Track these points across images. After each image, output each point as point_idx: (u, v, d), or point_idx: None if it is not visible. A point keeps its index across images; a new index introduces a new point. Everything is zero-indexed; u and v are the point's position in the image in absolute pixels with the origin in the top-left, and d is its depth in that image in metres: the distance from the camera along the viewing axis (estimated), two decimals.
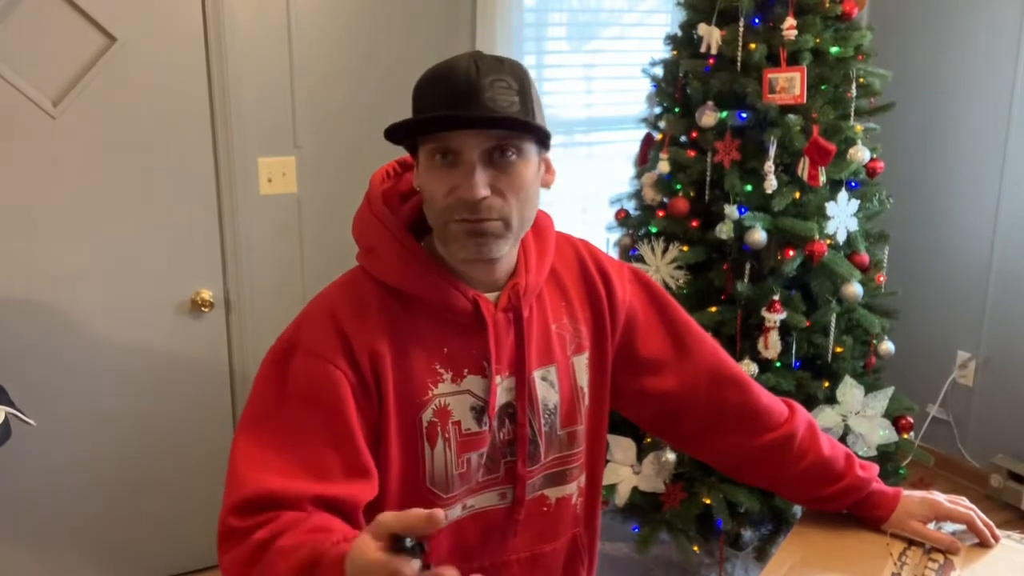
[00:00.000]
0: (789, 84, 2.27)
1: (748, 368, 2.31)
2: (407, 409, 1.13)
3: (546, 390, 1.22)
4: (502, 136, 1.05)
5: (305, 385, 1.08)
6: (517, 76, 1.07)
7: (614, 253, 2.72)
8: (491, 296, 1.17)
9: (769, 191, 2.30)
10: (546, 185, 1.15)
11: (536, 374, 1.20)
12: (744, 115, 2.35)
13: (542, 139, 1.11)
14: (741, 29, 2.32)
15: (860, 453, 2.32)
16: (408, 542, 0.80)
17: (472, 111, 1.03)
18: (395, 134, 1.07)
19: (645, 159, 2.65)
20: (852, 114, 2.39)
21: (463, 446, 1.16)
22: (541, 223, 1.23)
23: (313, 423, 1.06)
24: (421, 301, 1.14)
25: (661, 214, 2.48)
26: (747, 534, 2.55)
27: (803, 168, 2.30)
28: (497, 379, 1.16)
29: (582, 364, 1.26)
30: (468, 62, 1.05)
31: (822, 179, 2.32)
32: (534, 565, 1.28)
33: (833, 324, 2.37)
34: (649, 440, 2.42)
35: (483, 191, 1.05)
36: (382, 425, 1.12)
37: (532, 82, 1.10)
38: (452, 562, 1.20)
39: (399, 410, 1.12)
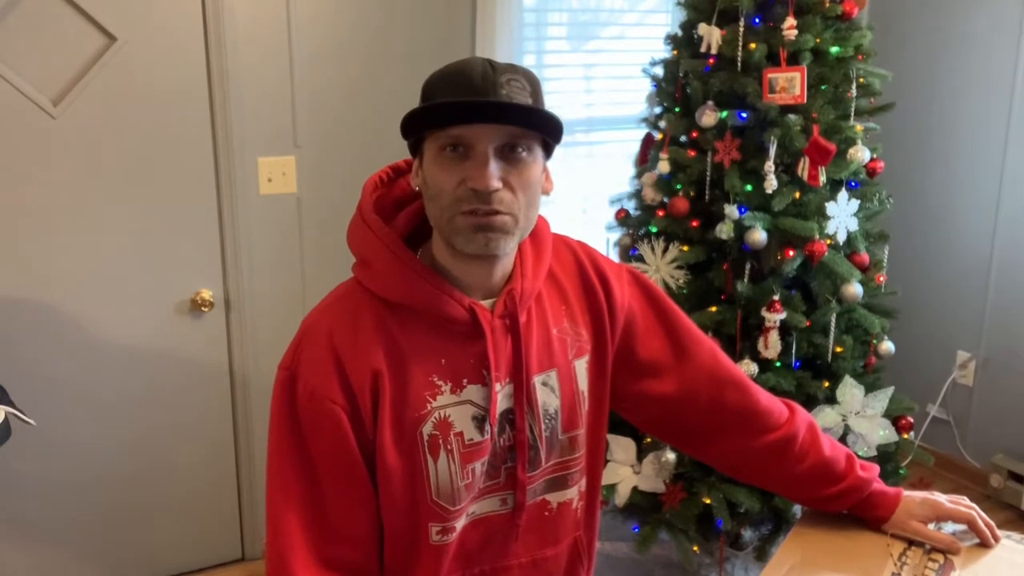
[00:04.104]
0: (789, 84, 2.27)
1: (748, 368, 2.31)
2: (406, 424, 1.13)
3: (547, 395, 1.21)
4: (515, 133, 1.06)
5: (317, 442, 1.13)
6: (530, 79, 1.09)
7: (614, 253, 2.72)
8: (487, 303, 1.16)
9: (769, 191, 2.30)
10: (546, 193, 1.16)
11: (537, 379, 1.20)
12: (744, 115, 2.35)
13: (547, 145, 1.12)
14: (741, 29, 2.32)
15: (860, 453, 2.32)
16: None
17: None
18: (408, 125, 1.08)
19: (645, 159, 2.65)
20: (852, 114, 2.38)
21: (466, 457, 1.16)
22: (538, 227, 1.23)
23: (330, 485, 1.13)
24: (417, 312, 1.14)
25: (661, 214, 2.48)
26: (747, 534, 2.56)
27: (803, 168, 2.30)
28: (497, 386, 1.16)
29: (582, 368, 1.26)
30: (482, 62, 1.07)
31: (822, 179, 2.32)
32: (535, 569, 1.28)
33: (833, 324, 2.37)
34: (649, 440, 2.42)
35: (496, 183, 1.05)
36: (376, 441, 1.13)
37: (541, 88, 1.11)
38: (453, 567, 1.21)
39: (397, 425, 1.13)
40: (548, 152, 1.14)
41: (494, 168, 1.05)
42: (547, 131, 1.09)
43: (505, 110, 1.04)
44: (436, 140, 1.07)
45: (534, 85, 1.09)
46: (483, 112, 1.04)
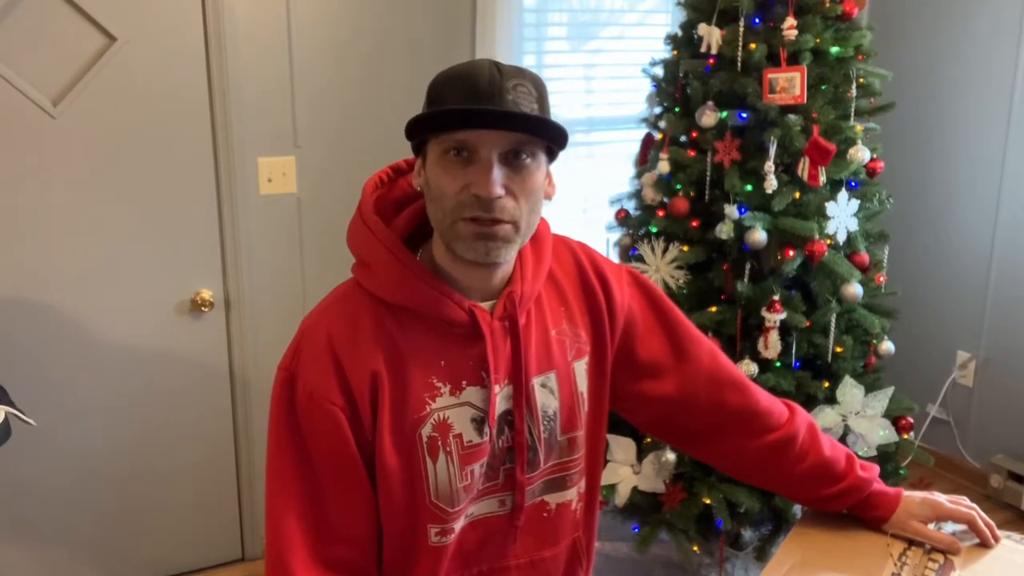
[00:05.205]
0: (789, 84, 2.27)
1: (748, 368, 2.31)
2: (405, 425, 1.13)
3: (545, 396, 1.21)
4: (520, 139, 1.06)
5: (316, 442, 1.13)
6: (536, 84, 1.08)
7: (614, 253, 2.72)
8: (487, 305, 1.16)
9: (769, 191, 2.30)
10: (548, 197, 1.16)
11: (536, 381, 1.20)
12: (744, 115, 2.35)
13: (550, 150, 1.12)
14: (741, 29, 2.32)
15: (860, 453, 2.32)
16: None
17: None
18: (413, 128, 1.07)
19: (645, 159, 2.65)
20: (852, 114, 2.38)
21: (465, 459, 1.16)
22: (538, 229, 1.22)
23: (329, 486, 1.13)
24: (417, 314, 1.13)
25: (661, 214, 2.47)
26: (747, 534, 2.55)
27: (803, 168, 2.30)
28: (496, 388, 1.16)
29: (582, 369, 1.26)
30: (488, 65, 1.06)
31: (822, 179, 2.32)
32: (534, 570, 1.28)
33: (833, 324, 2.37)
34: (649, 440, 2.42)
35: (499, 189, 1.05)
36: (375, 443, 1.13)
37: (547, 92, 1.11)
38: (451, 567, 1.21)
39: (396, 427, 1.13)
40: (552, 156, 1.14)
41: (497, 175, 1.05)
42: (552, 139, 1.08)
43: (511, 118, 1.04)
44: (440, 143, 1.07)
45: (540, 91, 1.08)
46: (489, 118, 1.04)
